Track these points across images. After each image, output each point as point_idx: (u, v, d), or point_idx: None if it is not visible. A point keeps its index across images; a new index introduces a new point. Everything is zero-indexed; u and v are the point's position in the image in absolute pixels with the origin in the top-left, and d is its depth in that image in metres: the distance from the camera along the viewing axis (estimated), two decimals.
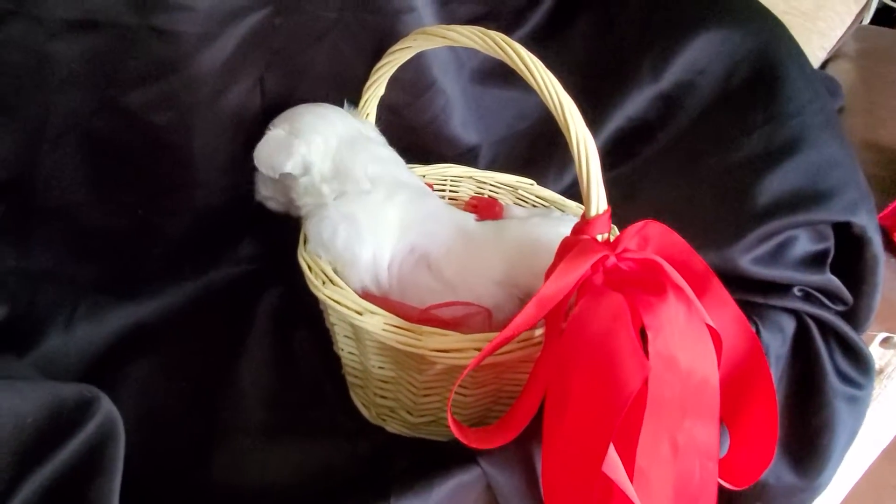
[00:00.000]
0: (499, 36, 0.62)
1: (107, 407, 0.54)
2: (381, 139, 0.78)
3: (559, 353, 0.53)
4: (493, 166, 0.98)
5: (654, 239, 0.61)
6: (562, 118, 0.59)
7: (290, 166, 0.68)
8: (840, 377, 0.74)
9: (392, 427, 0.76)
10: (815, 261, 0.72)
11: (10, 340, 0.73)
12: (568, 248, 0.58)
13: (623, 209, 0.90)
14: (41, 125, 0.62)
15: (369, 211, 0.68)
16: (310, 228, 0.69)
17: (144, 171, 0.71)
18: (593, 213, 0.59)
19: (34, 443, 0.47)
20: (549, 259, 0.71)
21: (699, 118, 0.84)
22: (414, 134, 0.85)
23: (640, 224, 0.61)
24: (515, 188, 0.91)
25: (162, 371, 0.80)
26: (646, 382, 0.49)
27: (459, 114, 0.91)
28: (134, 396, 0.76)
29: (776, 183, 0.72)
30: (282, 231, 0.92)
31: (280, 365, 0.82)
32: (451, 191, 0.93)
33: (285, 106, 0.75)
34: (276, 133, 0.71)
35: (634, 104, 0.87)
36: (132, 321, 0.84)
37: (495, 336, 0.60)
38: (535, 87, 0.60)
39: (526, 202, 0.91)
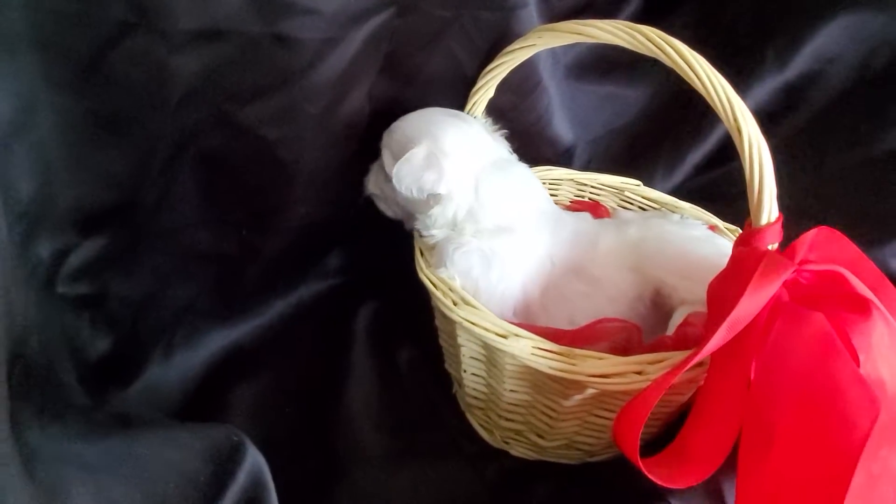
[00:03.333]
0: (650, 30, 0.57)
1: (253, 454, 0.50)
2: (514, 157, 0.73)
3: (759, 384, 0.48)
4: (589, 167, 0.94)
5: (825, 247, 0.56)
6: (731, 119, 0.54)
7: (443, 187, 0.64)
8: None
9: (517, 451, 0.71)
10: None
11: (116, 371, 0.69)
12: (744, 261, 0.53)
13: (734, 205, 0.86)
14: (155, 145, 0.58)
15: (518, 250, 0.66)
16: (447, 255, 0.64)
17: (253, 190, 0.67)
18: (764, 221, 0.54)
19: (202, 499, 0.43)
20: (680, 256, 0.67)
21: (825, 111, 0.78)
22: (517, 137, 0.80)
23: (812, 231, 0.56)
24: (621, 190, 0.86)
25: (266, 397, 0.76)
26: None
27: (558, 113, 0.86)
28: (242, 426, 0.72)
29: None
30: (371, 241, 0.88)
31: (388, 386, 0.78)
32: (550, 194, 0.88)
33: (391, 114, 0.70)
34: (420, 151, 0.65)
35: (755, 97, 0.82)
36: (229, 343, 0.81)
37: (653, 356, 0.57)
38: (698, 85, 0.55)
39: (631, 204, 0.86)
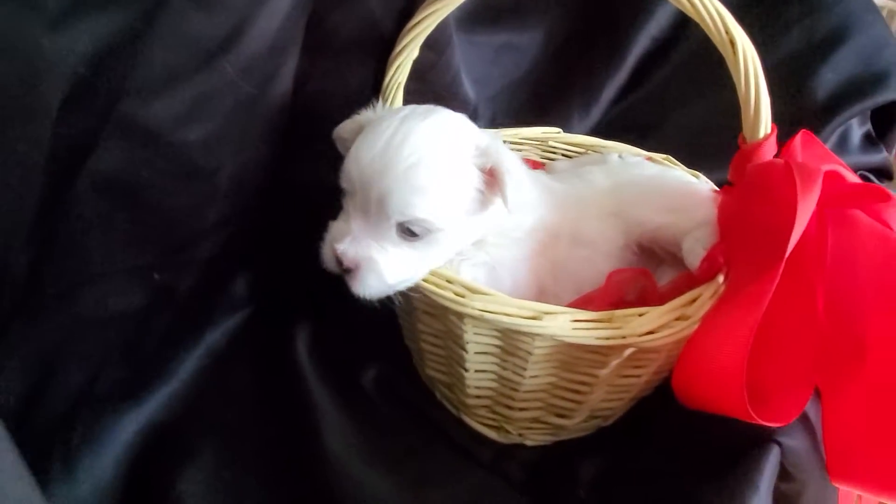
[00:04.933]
0: None
1: None
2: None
3: (833, 300, 0.46)
4: (494, 124, 0.88)
5: (811, 149, 0.56)
6: (723, 31, 0.51)
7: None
8: None
9: (534, 439, 0.65)
10: (868, 142, 0.74)
11: None
12: (763, 176, 0.51)
13: (657, 132, 0.87)
14: (27, 177, 0.39)
15: (524, 247, 0.58)
16: (454, 270, 0.55)
17: (166, 218, 0.49)
18: (762, 134, 0.53)
19: None
20: (656, 193, 0.65)
21: None
22: (434, 99, 0.71)
23: (798, 136, 0.56)
24: (544, 140, 0.81)
25: (217, 479, 0.59)
26: None
27: (463, 71, 0.78)
28: None
29: (829, 74, 0.72)
30: (276, 256, 0.74)
31: (363, 414, 0.66)
32: None
33: (310, 94, 0.57)
34: (513, 163, 0.54)
35: (658, 22, 0.81)
36: (144, 424, 0.62)
37: (687, 297, 0.53)
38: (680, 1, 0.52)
39: (555, 153, 0.82)
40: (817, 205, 0.47)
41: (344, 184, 0.53)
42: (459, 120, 0.57)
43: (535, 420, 0.63)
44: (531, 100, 0.85)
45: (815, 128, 0.71)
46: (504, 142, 0.78)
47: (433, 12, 0.60)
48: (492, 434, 0.65)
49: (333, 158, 0.67)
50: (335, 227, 0.54)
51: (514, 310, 0.51)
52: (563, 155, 0.82)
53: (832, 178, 0.52)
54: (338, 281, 0.78)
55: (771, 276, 0.45)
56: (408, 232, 0.52)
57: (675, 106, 0.83)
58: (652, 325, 0.51)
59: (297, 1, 0.49)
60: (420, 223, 0.51)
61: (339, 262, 0.53)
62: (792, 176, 0.47)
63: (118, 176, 0.44)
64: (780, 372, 0.47)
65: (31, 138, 0.38)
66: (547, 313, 0.51)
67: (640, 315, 0.52)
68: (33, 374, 0.49)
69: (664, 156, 0.77)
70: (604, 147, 0.79)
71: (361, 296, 0.53)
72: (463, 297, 0.52)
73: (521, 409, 0.61)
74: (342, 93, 0.61)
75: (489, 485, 0.61)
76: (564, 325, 0.50)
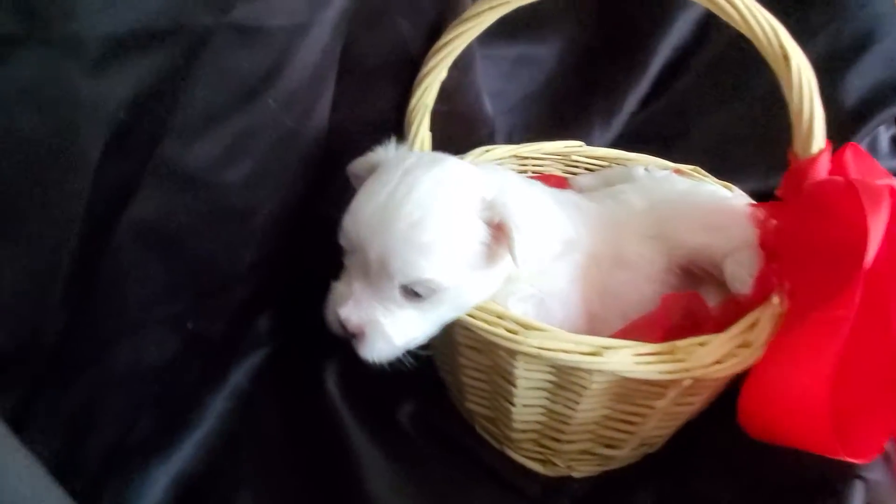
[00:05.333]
0: None
1: None
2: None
3: None
4: (510, 139, 0.85)
5: (859, 163, 0.54)
6: (777, 47, 0.49)
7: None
8: None
9: (581, 471, 0.62)
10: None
11: None
12: (822, 195, 0.49)
13: (681, 141, 0.85)
14: (64, 237, 0.35)
15: (569, 277, 0.56)
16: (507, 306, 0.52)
17: (201, 264, 0.46)
18: (815, 149, 0.51)
19: None
20: (695, 212, 0.63)
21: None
22: (458, 121, 0.69)
23: (847, 150, 0.54)
24: (566, 154, 0.79)
25: None
26: None
27: (485, 88, 0.75)
28: None
29: (857, 80, 0.71)
30: (299, 291, 0.70)
31: (404, 453, 0.63)
32: None
33: (345, 121, 0.54)
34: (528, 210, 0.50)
35: (679, 31, 0.79)
36: (177, 475, 0.58)
37: (746, 322, 0.51)
38: (734, 17, 0.50)
39: (577, 167, 0.80)
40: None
41: (342, 241, 0.49)
42: (465, 171, 0.52)
43: (584, 452, 0.60)
44: (549, 113, 0.83)
45: (846, 135, 0.70)
46: (525, 157, 0.78)
47: (462, 33, 0.58)
48: (537, 467, 0.63)
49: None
50: (337, 289, 0.50)
51: (572, 346, 0.49)
52: (585, 169, 0.80)
53: (891, 193, 0.51)
54: None
55: (847, 299, 0.43)
56: (412, 293, 0.48)
57: (698, 115, 0.81)
58: (717, 356, 0.49)
59: (336, 29, 0.46)
60: (425, 283, 0.47)
61: (342, 327, 0.49)
62: (857, 195, 0.45)
63: (156, 223, 0.41)
64: (862, 402, 0.45)
65: (71, 193, 0.34)
66: (607, 348, 0.48)
67: (702, 345, 0.49)
68: (67, 432, 0.46)
69: (692, 167, 0.75)
70: (628, 160, 0.77)
71: (370, 360, 0.50)
72: (516, 333, 0.50)
73: (570, 442, 0.59)
74: (368, 118, 0.58)
75: None
76: (626, 359, 0.48)
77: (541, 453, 0.62)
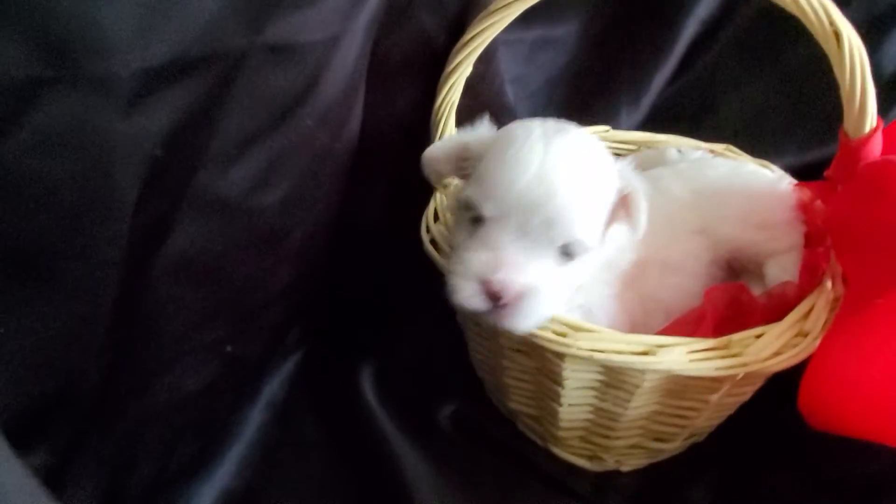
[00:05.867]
0: None
1: None
2: None
3: None
4: None
5: None
6: (827, 24, 0.46)
7: None
8: None
9: (629, 465, 0.61)
10: None
11: None
12: (877, 177, 0.47)
13: (711, 118, 0.82)
14: (104, 278, 0.34)
15: (616, 290, 0.55)
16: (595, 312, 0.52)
17: (238, 289, 0.45)
18: (868, 128, 0.49)
19: None
20: (741, 205, 0.61)
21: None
22: (482, 113, 0.67)
23: (891, 127, 0.52)
24: None
25: None
26: None
27: (505, 75, 0.73)
28: None
29: (893, 48, 0.68)
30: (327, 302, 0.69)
31: (447, 456, 0.62)
32: None
33: (368, 124, 0.52)
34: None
35: (706, 4, 0.76)
36: (220, 494, 0.58)
37: (801, 310, 0.49)
38: None
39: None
40: None
41: (491, 211, 0.47)
42: (597, 139, 0.53)
43: (634, 446, 0.59)
44: (573, 96, 0.81)
45: (887, 104, 0.68)
46: None
47: (488, 27, 0.55)
48: (584, 463, 0.61)
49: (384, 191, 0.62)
50: (475, 258, 0.47)
51: (624, 346, 0.47)
52: (615, 154, 0.77)
53: None
54: (398, 314, 0.74)
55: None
56: (566, 255, 0.48)
57: (728, 90, 0.79)
58: (774, 347, 0.47)
59: (367, 35, 0.44)
60: (581, 244, 0.47)
61: (493, 296, 0.46)
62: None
63: (193, 255, 0.39)
64: None
65: (109, 237, 0.33)
66: (660, 346, 0.47)
67: (758, 337, 0.48)
68: (110, 470, 0.45)
69: (725, 146, 0.73)
70: (658, 142, 0.75)
71: (518, 330, 0.47)
72: (565, 335, 0.48)
73: (619, 438, 0.58)
74: (392, 117, 0.56)
75: None
76: (680, 357, 0.46)
77: (588, 449, 0.61)
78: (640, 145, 0.76)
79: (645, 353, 0.47)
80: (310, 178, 0.44)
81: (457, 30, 0.56)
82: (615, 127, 0.77)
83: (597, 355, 0.47)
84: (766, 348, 0.47)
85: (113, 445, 0.42)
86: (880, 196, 0.47)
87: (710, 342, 0.47)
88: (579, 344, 0.47)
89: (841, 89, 0.49)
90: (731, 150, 0.72)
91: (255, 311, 0.48)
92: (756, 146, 0.73)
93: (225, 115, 0.36)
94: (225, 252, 0.41)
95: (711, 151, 0.72)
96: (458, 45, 0.57)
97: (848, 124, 0.50)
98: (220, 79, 0.35)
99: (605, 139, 0.76)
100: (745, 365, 0.47)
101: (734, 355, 0.47)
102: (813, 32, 0.48)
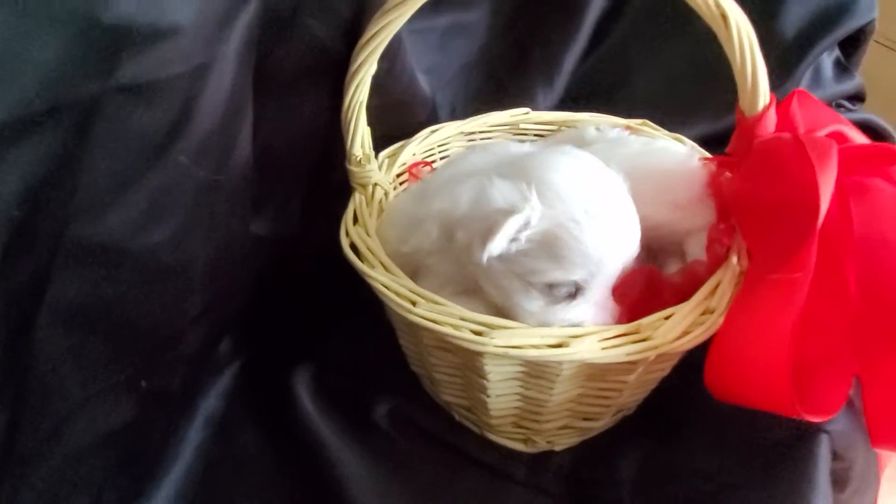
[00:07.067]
0: None
1: None
2: None
3: (865, 276, 0.44)
4: (453, 114, 0.82)
5: (808, 110, 0.54)
6: (713, 6, 0.47)
7: None
8: None
9: (562, 444, 0.63)
10: (840, 69, 0.72)
11: None
12: (771, 152, 0.48)
13: (625, 93, 0.83)
14: None
15: None
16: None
17: (144, 326, 0.43)
18: (761, 106, 0.50)
19: None
20: (657, 184, 0.62)
21: None
22: (395, 110, 0.66)
23: (793, 98, 0.53)
24: (514, 124, 0.76)
25: None
26: None
27: (414, 63, 0.72)
28: None
29: (798, 7, 0.69)
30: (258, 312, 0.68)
31: (386, 453, 0.62)
32: (441, 159, 0.75)
33: (274, 134, 0.51)
34: None
35: None
36: None
37: (707, 288, 0.51)
38: None
39: (527, 135, 0.78)
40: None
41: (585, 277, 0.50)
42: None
43: (564, 427, 0.61)
44: (489, 81, 0.80)
45: (790, 65, 0.69)
46: (472, 132, 0.76)
47: (385, 25, 0.54)
48: (519, 447, 0.63)
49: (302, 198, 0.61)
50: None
51: (538, 339, 0.48)
52: (535, 136, 0.78)
53: (838, 142, 0.50)
54: (331, 318, 0.73)
55: (804, 259, 0.43)
56: None
57: (639, 62, 0.79)
58: (682, 328, 0.49)
59: (243, 55, 0.42)
60: None
61: None
62: (805, 152, 0.45)
63: (82, 302, 0.38)
64: (821, 361, 0.45)
65: None
66: (573, 337, 0.48)
67: (667, 318, 0.49)
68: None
69: (642, 121, 0.74)
70: (577, 121, 0.75)
71: None
72: (481, 334, 0.49)
73: (549, 421, 0.59)
74: (298, 128, 0.55)
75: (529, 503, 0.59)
76: (593, 346, 0.48)
77: (521, 433, 0.62)
78: (560, 125, 0.76)
79: (559, 346, 0.48)
80: (199, 210, 0.43)
81: (351, 32, 0.55)
82: (533, 108, 0.77)
83: (512, 351, 0.48)
84: (674, 329, 0.48)
85: (34, 490, 0.41)
86: (773, 172, 0.48)
87: (621, 328, 0.49)
88: (495, 342, 0.48)
89: (734, 70, 0.50)
90: (647, 125, 0.73)
91: (166, 345, 0.47)
92: (672, 117, 0.74)
93: (88, 164, 0.34)
94: (117, 295, 0.40)
95: (628, 128, 0.72)
96: (358, 46, 0.55)
97: (743, 102, 0.51)
98: (74, 128, 0.33)
99: (525, 122, 0.77)
100: (655, 347, 0.48)
101: (644, 339, 0.48)
102: (701, 15, 0.48)
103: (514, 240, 0.48)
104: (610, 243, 0.49)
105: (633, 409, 0.64)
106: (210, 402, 0.66)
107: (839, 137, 0.50)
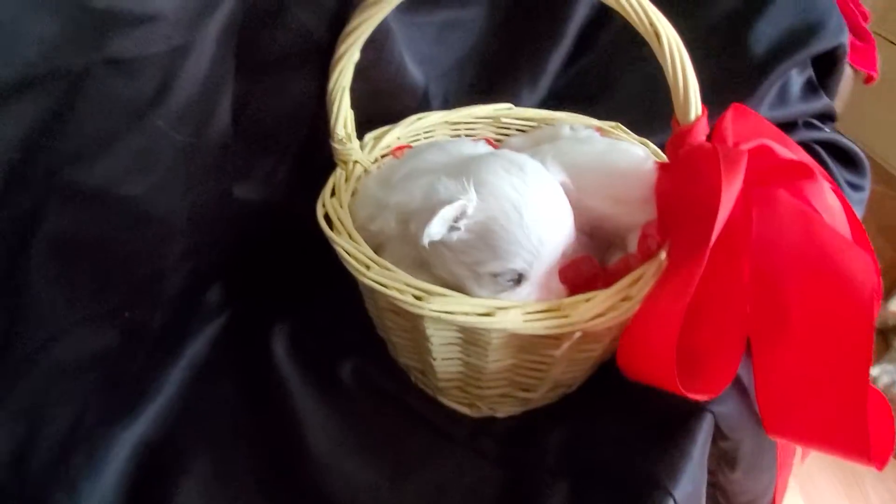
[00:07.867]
0: None
1: None
2: None
3: (759, 273, 0.49)
4: (445, 105, 0.88)
5: (743, 124, 0.58)
6: (647, 23, 0.52)
7: None
8: (850, 187, 0.81)
9: (504, 411, 0.69)
10: (809, 89, 0.76)
11: None
12: (693, 160, 0.53)
13: (606, 98, 0.88)
14: None
15: None
16: None
17: (126, 263, 0.51)
18: (692, 117, 0.55)
19: None
20: (605, 179, 0.67)
21: None
22: (381, 96, 0.72)
23: (729, 112, 0.58)
24: (496, 118, 0.82)
25: (212, 488, 0.63)
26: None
27: (407, 56, 0.78)
28: None
29: (768, 28, 0.73)
30: (246, 268, 0.76)
31: (346, 409, 0.69)
32: None
33: (261, 112, 0.58)
34: None
35: None
36: (138, 443, 0.65)
37: (630, 278, 0.56)
38: None
39: (509, 129, 0.83)
40: (743, 185, 0.50)
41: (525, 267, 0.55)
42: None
43: (504, 395, 0.67)
44: (480, 76, 0.86)
45: (756, 82, 0.73)
46: (457, 122, 0.82)
47: (369, 17, 0.60)
48: (465, 410, 0.69)
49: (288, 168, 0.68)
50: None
51: (469, 308, 0.54)
52: (517, 130, 0.83)
53: (761, 154, 0.55)
54: (311, 280, 0.81)
55: (699, 257, 0.48)
56: None
57: (622, 69, 0.84)
58: (598, 310, 0.54)
59: (222, 38, 0.49)
60: None
61: None
62: (717, 161, 0.50)
63: (72, 236, 0.46)
64: (710, 345, 0.50)
65: None
66: (500, 308, 0.54)
67: (588, 300, 0.55)
68: (22, 423, 0.52)
69: (614, 124, 0.78)
70: (554, 119, 0.81)
71: None
72: (421, 299, 0.55)
73: (489, 388, 0.65)
74: (286, 106, 0.62)
75: (466, 463, 0.65)
76: (516, 318, 0.54)
77: (466, 398, 0.68)
78: (539, 122, 0.81)
79: (487, 315, 0.54)
80: (176, 171, 0.50)
81: (338, 21, 0.61)
82: (517, 105, 0.82)
83: (445, 316, 0.54)
84: (592, 310, 0.54)
85: (22, 397, 0.49)
86: (692, 177, 0.53)
87: (544, 305, 0.55)
88: (431, 306, 0.54)
89: (668, 82, 0.55)
90: (619, 129, 0.78)
91: (149, 282, 0.55)
92: (646, 123, 0.79)
93: (77, 120, 0.42)
94: (103, 233, 0.48)
95: (599, 129, 0.78)
96: (344, 33, 0.62)
97: (677, 113, 0.56)
98: (67, 90, 0.40)
99: (506, 116, 0.82)
100: (572, 324, 0.54)
101: (564, 316, 0.54)
102: (639, 31, 0.53)
103: (453, 228, 0.55)
104: (541, 233, 0.55)
105: (573, 387, 0.70)
106: (197, 348, 0.74)
107: (765, 151, 0.55)
